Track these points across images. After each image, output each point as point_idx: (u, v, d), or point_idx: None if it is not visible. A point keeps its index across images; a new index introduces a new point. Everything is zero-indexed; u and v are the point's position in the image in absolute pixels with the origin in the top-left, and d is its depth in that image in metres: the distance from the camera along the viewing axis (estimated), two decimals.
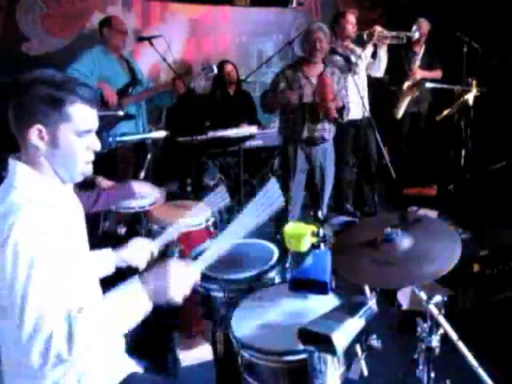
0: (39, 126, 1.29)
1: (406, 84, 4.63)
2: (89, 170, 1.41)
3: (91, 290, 1.51)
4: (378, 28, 4.08)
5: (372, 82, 4.36)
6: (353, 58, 3.92)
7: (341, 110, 3.48)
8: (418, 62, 4.72)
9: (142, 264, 1.82)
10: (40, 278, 1.21)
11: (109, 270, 1.75)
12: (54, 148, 1.32)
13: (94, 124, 1.38)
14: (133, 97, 3.77)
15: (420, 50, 4.77)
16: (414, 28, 4.46)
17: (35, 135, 1.30)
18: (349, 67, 3.54)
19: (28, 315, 1.19)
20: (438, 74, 4.81)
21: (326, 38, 3.40)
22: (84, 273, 1.43)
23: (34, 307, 1.20)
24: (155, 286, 1.32)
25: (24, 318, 1.19)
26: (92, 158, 1.39)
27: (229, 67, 4.63)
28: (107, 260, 1.76)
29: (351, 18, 4.21)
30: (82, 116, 1.33)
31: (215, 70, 3.83)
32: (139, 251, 1.82)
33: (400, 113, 4.70)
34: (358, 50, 4.22)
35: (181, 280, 1.36)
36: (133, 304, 1.31)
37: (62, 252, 1.29)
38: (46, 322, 1.20)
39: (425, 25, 4.70)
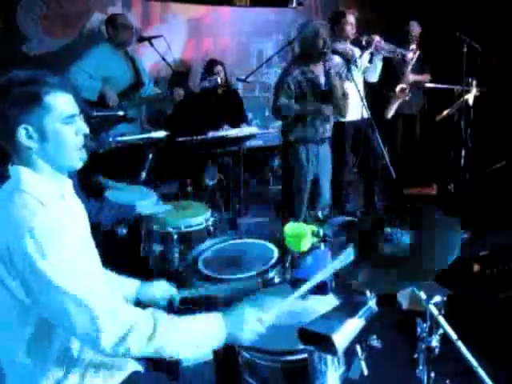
0: (24, 126, 1.30)
1: (399, 86, 4.63)
2: (84, 155, 1.41)
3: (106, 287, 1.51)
4: (377, 37, 4.08)
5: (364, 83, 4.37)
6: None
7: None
8: (410, 66, 4.71)
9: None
10: (74, 271, 1.26)
11: (131, 298, 1.76)
12: (44, 142, 1.33)
13: (75, 108, 1.38)
14: (134, 101, 3.81)
15: (413, 55, 4.76)
16: (412, 47, 4.51)
17: (23, 136, 1.30)
18: (348, 67, 3.53)
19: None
20: (426, 77, 4.83)
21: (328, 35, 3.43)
22: (92, 271, 1.43)
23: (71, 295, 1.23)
24: (235, 325, 1.41)
25: (85, 310, 1.24)
26: (82, 142, 1.40)
27: (218, 68, 4.57)
28: (133, 290, 1.76)
29: (351, 19, 4.20)
30: (61, 102, 1.34)
31: (219, 82, 3.97)
32: (161, 294, 1.81)
33: (390, 113, 4.70)
34: (356, 50, 4.22)
35: (253, 325, 1.43)
36: (209, 327, 1.39)
37: (78, 251, 1.31)
38: (117, 315, 1.28)
39: (416, 27, 4.71)
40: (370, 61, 4.24)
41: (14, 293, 1.26)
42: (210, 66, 4.51)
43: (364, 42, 4.09)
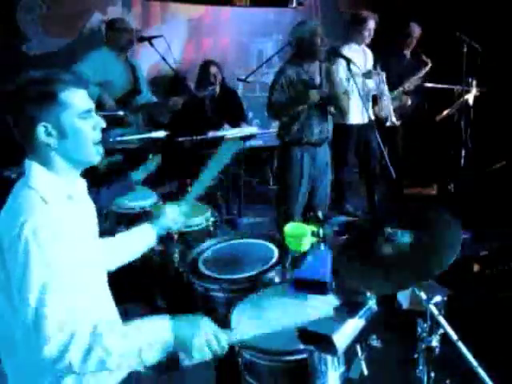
0: (43, 124, 1.33)
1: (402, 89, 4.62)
2: (101, 149, 1.44)
3: (99, 288, 1.52)
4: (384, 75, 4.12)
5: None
6: (357, 60, 3.92)
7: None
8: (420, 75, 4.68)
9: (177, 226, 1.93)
10: (50, 276, 1.24)
11: (151, 243, 1.84)
12: (63, 138, 1.36)
13: (90, 103, 1.42)
14: (133, 108, 3.84)
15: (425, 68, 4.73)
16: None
17: (43, 134, 1.33)
18: (348, 68, 3.51)
19: (40, 313, 1.22)
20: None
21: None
22: (93, 272, 1.45)
23: (45, 306, 1.22)
24: (184, 328, 1.34)
25: (39, 316, 1.22)
26: (100, 136, 1.43)
27: (213, 69, 4.56)
28: (148, 234, 1.84)
29: (371, 24, 4.16)
30: (77, 98, 1.37)
31: (217, 91, 4.12)
32: (174, 215, 1.90)
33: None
34: (368, 52, 4.22)
35: (208, 339, 1.35)
36: (154, 332, 1.32)
37: (73, 252, 1.31)
38: (65, 327, 1.23)
39: (416, 29, 4.71)
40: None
41: (1, 279, 1.28)
42: (206, 67, 4.50)
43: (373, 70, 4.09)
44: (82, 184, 1.50)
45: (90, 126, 1.40)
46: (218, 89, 4.06)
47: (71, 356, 1.23)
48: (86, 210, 1.53)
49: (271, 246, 2.26)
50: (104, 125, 1.44)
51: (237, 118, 4.51)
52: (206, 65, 4.52)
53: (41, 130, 1.33)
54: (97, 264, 1.50)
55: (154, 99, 4.22)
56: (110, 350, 1.26)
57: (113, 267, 1.74)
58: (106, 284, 1.58)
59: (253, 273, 2.02)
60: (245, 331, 1.46)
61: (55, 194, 1.35)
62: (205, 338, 1.34)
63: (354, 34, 4.23)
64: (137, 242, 1.82)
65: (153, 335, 1.32)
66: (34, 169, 1.36)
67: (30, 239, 1.23)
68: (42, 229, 1.25)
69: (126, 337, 1.30)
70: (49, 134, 1.34)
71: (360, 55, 4.23)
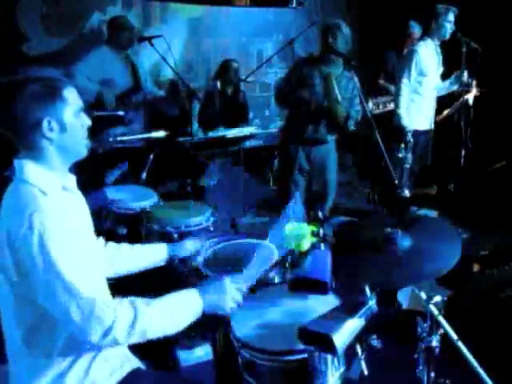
0: (48, 119, 1.37)
1: None
2: (88, 143, 1.50)
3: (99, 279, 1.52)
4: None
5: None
6: (429, 61, 3.97)
7: (345, 118, 3.45)
8: None
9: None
10: (70, 258, 1.29)
11: (159, 262, 1.87)
12: (63, 133, 1.41)
13: (81, 102, 1.48)
14: (133, 105, 3.84)
15: None
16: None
17: (46, 128, 1.37)
18: (348, 67, 3.50)
19: (71, 296, 1.28)
20: None
21: None
22: (93, 261, 1.46)
23: (71, 287, 1.27)
24: (214, 297, 1.50)
25: (72, 297, 1.27)
26: (86, 134, 1.50)
27: (235, 65, 4.57)
28: (160, 252, 1.88)
29: (452, 17, 4.05)
30: (74, 96, 1.44)
31: (218, 88, 4.18)
32: (191, 244, 1.97)
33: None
34: (440, 53, 4.19)
35: (233, 294, 1.53)
36: (184, 305, 1.45)
37: (78, 240, 1.36)
38: (107, 304, 1.32)
39: (416, 28, 4.71)
40: None
41: (11, 277, 1.31)
42: (228, 64, 4.52)
43: None
44: (72, 178, 1.54)
45: (81, 123, 1.46)
46: (219, 85, 4.08)
47: (117, 332, 1.31)
48: (81, 201, 1.57)
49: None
50: (90, 124, 1.49)
51: (238, 118, 4.52)
52: (228, 62, 4.53)
53: (45, 124, 1.37)
54: (94, 253, 1.51)
55: (160, 93, 4.22)
56: (150, 323, 1.36)
57: (112, 273, 1.76)
58: (106, 284, 1.58)
59: None
60: (251, 271, 1.65)
61: (51, 186, 1.39)
62: (231, 297, 1.51)
63: (431, 29, 4.11)
64: (146, 255, 1.85)
65: (186, 307, 1.45)
66: (26, 166, 1.39)
67: (41, 230, 1.26)
68: (49, 218, 1.28)
69: (163, 310, 1.40)
70: (51, 129, 1.38)
71: (433, 56, 4.16)
